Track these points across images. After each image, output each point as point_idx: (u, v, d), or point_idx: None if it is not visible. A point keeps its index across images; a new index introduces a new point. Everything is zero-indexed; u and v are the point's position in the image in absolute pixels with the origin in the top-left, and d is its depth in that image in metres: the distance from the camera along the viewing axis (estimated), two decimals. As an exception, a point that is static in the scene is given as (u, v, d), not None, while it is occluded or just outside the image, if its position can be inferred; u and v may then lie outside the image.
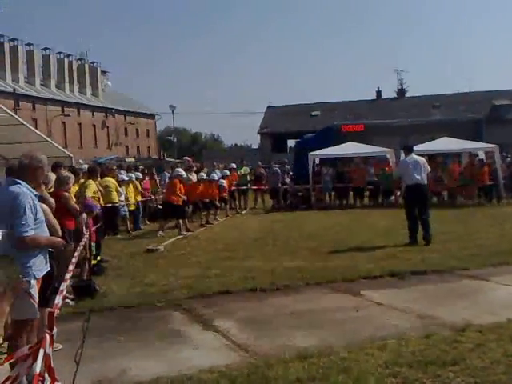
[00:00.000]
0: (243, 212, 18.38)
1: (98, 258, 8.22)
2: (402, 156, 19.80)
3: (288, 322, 5.50)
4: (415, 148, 19.12)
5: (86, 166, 13.41)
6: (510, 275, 7.24)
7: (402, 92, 51.57)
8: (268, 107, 52.29)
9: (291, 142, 48.50)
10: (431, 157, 21.64)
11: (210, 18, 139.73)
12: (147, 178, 16.67)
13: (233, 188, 18.49)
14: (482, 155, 19.88)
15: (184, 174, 13.53)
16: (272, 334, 5.13)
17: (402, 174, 10.66)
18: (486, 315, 5.42)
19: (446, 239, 10.30)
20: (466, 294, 6.43)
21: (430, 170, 10.79)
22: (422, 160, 10.52)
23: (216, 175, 15.43)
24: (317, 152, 19.99)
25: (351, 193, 19.66)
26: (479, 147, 19.94)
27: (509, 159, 21.50)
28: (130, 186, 14.06)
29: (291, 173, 21.46)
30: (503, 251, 8.81)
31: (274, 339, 4.98)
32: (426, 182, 10.36)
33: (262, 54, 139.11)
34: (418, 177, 10.16)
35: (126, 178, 13.77)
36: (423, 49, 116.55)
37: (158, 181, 17.42)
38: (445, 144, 19.48)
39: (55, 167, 8.81)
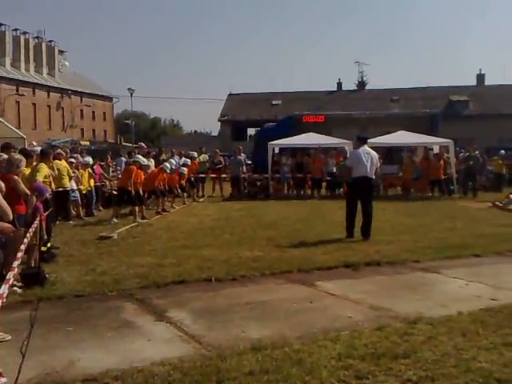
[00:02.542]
0: (200, 200, 18.24)
1: (49, 244, 7.95)
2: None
3: (242, 313, 5.46)
4: (373, 140, 19.72)
5: (39, 149, 12.98)
6: (460, 268, 7.42)
7: (362, 84, 52.24)
8: (229, 94, 52.04)
9: (251, 131, 48.58)
10: (389, 150, 22.19)
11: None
12: (98, 163, 16.29)
13: (191, 175, 18.31)
14: (436, 149, 20.35)
15: (144, 160, 13.29)
16: (226, 325, 5.08)
17: (352, 165, 10.07)
18: (437, 308, 5.53)
19: (400, 232, 10.50)
20: (418, 287, 6.55)
21: (379, 165, 10.40)
22: (375, 154, 10.16)
23: (174, 161, 15.22)
24: (276, 142, 20.01)
25: (309, 183, 19.79)
26: (435, 141, 20.41)
27: (462, 154, 22.08)
28: (85, 170, 13.71)
29: (249, 161, 21.38)
30: (454, 244, 9.05)
31: (228, 330, 4.93)
32: (373, 176, 10.03)
33: (226, 40, 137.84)
34: (368, 170, 9.83)
35: (75, 161, 13.41)
36: (384, 42, 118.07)
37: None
38: (401, 137, 19.86)
39: (5, 148, 8.47)
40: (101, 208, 14.88)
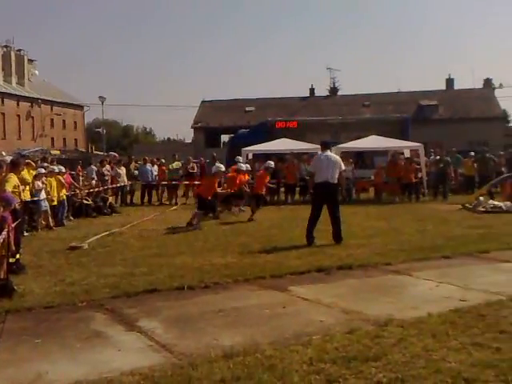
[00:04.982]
0: (173, 208, 18.11)
1: (18, 255, 7.79)
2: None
3: (215, 321, 5.43)
4: (345, 145, 19.93)
5: (9, 158, 12.75)
6: (430, 270, 7.51)
7: (334, 90, 52.72)
8: (202, 101, 51.91)
9: (225, 137, 48.55)
10: (361, 154, 22.44)
11: (141, 7, 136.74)
12: (68, 172, 16.09)
13: (163, 183, 18.30)
14: (407, 153, 20.65)
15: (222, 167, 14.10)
16: (198, 334, 5.04)
17: (314, 171, 10.14)
18: (408, 310, 5.58)
19: (371, 235, 10.60)
20: (389, 289, 6.61)
21: (343, 168, 10.25)
22: (336, 158, 10.10)
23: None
24: (250, 148, 20.06)
25: (283, 189, 19.85)
26: (405, 145, 20.70)
27: (432, 157, 22.42)
28: (54, 179, 13.49)
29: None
30: (425, 247, 9.17)
31: (200, 338, 4.89)
32: (335, 181, 9.86)
33: (198, 48, 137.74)
34: (328, 175, 9.74)
35: (44, 171, 13.22)
36: (355, 48, 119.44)
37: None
38: (373, 142, 20.10)
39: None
40: (71, 218, 14.65)
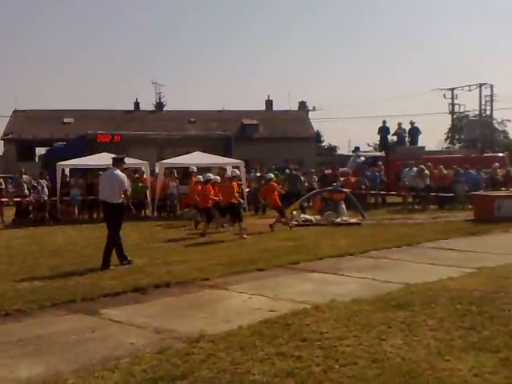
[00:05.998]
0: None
1: None
2: (157, 168, 20.38)
3: (13, 351, 4.94)
4: (169, 161, 19.88)
5: None
6: (245, 283, 7.77)
7: (159, 105, 52.52)
8: (14, 111, 47.83)
9: (41, 150, 45.30)
10: (186, 170, 22.59)
11: None
12: None
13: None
14: (229, 170, 21.33)
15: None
16: (-9, 368, 4.52)
17: (100, 189, 9.91)
18: (221, 324, 5.66)
19: (192, 251, 10.67)
20: (205, 304, 6.66)
21: (127, 188, 9.49)
22: (117, 176, 9.36)
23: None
24: (66, 162, 18.97)
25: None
26: (227, 162, 21.37)
27: (253, 174, 23.48)
28: None
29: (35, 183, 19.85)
30: (242, 260, 9.49)
31: (-8, 373, 4.39)
32: (114, 200, 9.30)
33: (10, 50, 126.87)
34: (106, 194, 9.42)
35: None
36: (181, 64, 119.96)
37: None
38: (196, 158, 20.41)
39: None
40: None
